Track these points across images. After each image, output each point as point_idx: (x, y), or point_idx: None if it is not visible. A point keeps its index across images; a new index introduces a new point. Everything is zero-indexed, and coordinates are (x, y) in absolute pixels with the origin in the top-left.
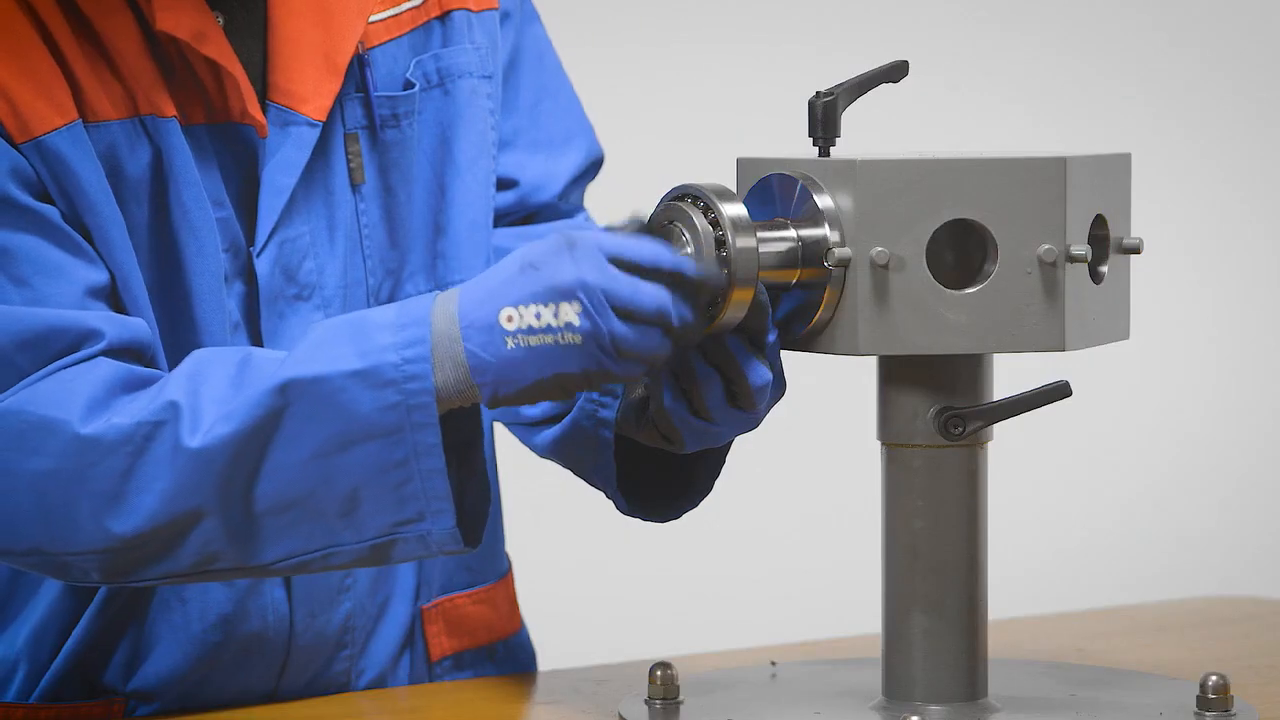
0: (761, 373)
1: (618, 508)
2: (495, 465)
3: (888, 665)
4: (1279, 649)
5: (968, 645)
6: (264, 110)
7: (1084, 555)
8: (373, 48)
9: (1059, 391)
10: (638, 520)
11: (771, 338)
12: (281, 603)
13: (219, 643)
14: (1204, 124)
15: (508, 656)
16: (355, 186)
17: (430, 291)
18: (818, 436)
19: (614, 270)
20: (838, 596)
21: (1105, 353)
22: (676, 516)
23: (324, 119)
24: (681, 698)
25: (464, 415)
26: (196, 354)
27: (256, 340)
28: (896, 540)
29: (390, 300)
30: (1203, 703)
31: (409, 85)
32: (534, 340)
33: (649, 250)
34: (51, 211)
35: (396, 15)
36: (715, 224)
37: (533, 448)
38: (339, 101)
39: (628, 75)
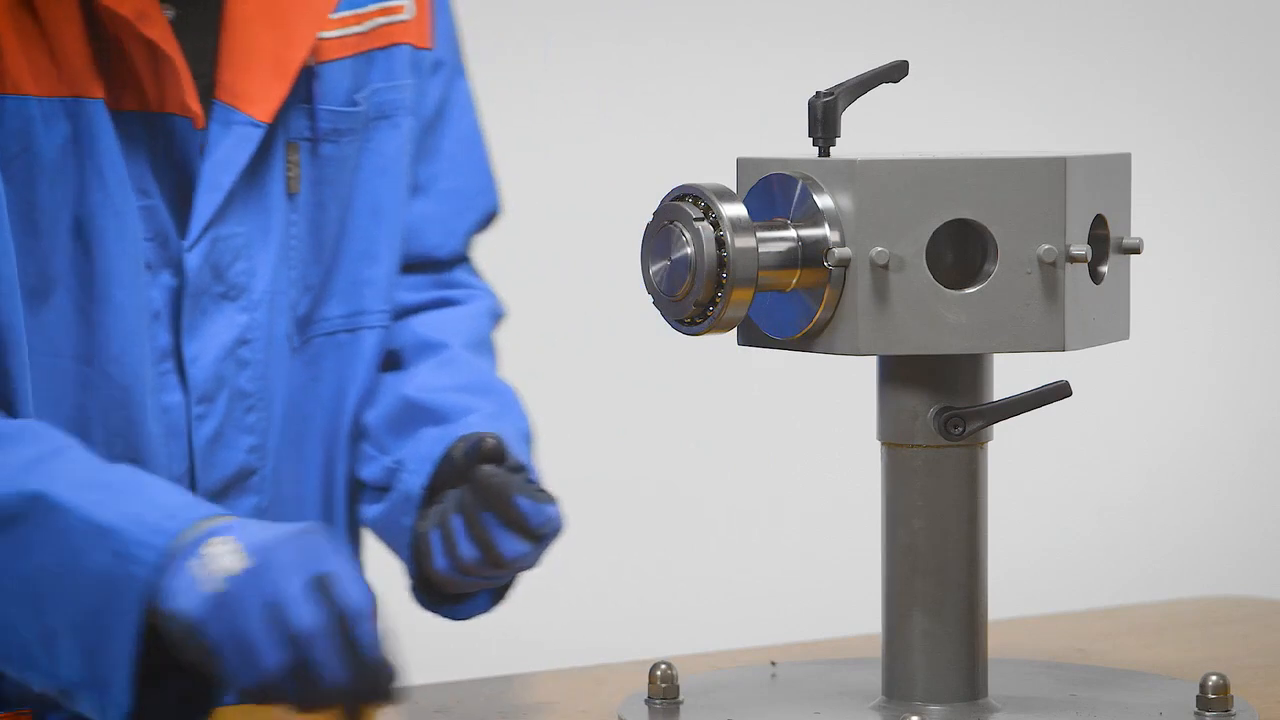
0: (515, 547)
1: (414, 598)
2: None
3: (888, 665)
4: (1279, 649)
5: (968, 645)
6: (209, 108)
7: (1084, 555)
8: (323, 63)
9: (1059, 391)
10: (630, 525)
11: (524, 505)
12: None
13: None
14: (1204, 124)
15: None
16: (290, 196)
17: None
18: (818, 436)
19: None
20: (838, 596)
21: (1105, 353)
22: (467, 617)
23: (270, 120)
24: (681, 698)
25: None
26: (27, 423)
27: (175, 332)
28: (896, 540)
29: (308, 316)
30: (1203, 703)
31: (353, 105)
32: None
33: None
34: None
35: (346, 36)
36: (715, 224)
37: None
38: (285, 109)
39: (629, 75)
